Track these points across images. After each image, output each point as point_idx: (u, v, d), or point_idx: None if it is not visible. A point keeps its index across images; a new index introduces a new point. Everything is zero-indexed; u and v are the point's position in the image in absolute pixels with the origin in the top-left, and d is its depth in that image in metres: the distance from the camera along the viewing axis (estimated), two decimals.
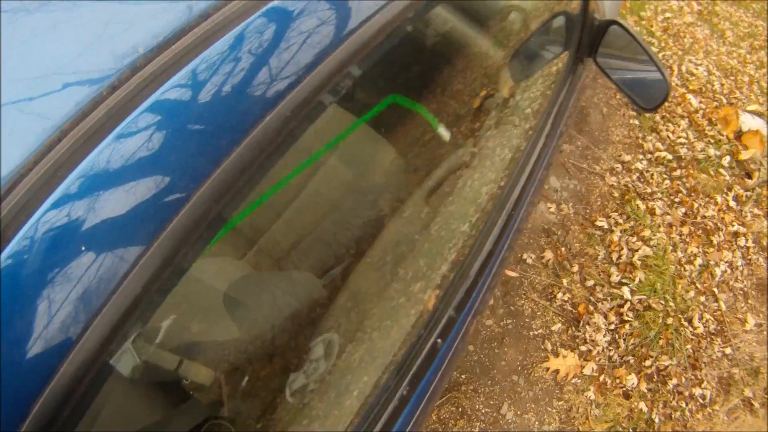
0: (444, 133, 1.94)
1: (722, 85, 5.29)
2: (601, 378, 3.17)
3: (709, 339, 3.54)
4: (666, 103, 4.73)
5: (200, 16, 0.74)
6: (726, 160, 4.51)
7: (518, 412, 2.97)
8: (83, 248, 0.61)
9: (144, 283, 0.65)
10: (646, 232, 3.77)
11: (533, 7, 2.14)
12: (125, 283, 0.64)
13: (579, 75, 2.20)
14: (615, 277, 3.52)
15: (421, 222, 1.75)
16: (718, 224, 4.11)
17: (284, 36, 0.77)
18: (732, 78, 5.47)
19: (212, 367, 1.43)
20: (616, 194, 3.96)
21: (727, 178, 4.43)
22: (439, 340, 1.46)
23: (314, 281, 1.70)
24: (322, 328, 1.57)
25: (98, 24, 0.72)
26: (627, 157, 4.22)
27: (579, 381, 3.13)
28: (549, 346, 3.18)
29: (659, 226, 3.87)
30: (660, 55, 5.23)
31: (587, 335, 3.26)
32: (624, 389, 3.19)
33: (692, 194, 4.21)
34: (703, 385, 3.36)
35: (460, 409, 2.88)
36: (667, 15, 5.82)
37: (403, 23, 0.92)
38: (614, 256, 3.62)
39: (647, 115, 4.56)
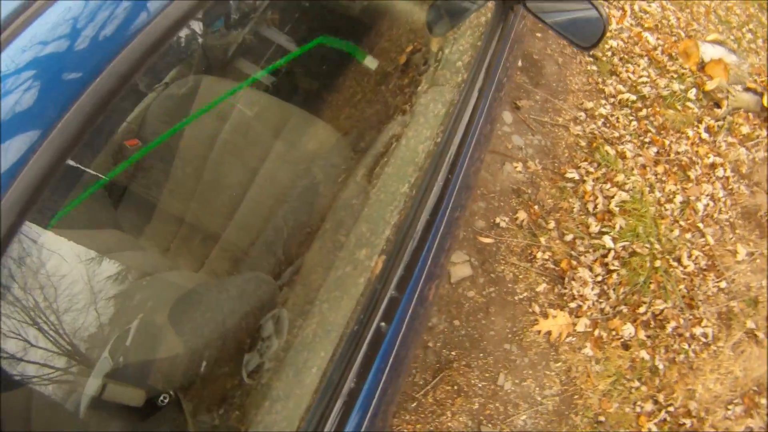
0: (371, 63, 1.91)
1: (678, 18, 5.28)
2: (596, 332, 3.11)
3: (701, 276, 3.50)
4: (622, 45, 4.71)
5: None
6: (692, 93, 4.48)
7: (516, 381, 2.91)
8: None
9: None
10: (620, 177, 3.71)
11: None
12: None
13: (511, 23, 2.15)
14: (594, 228, 3.47)
15: (359, 186, 1.72)
16: (693, 158, 4.07)
17: None
18: (687, 10, 5.45)
19: (161, 383, 1.40)
20: (583, 143, 3.91)
21: (696, 110, 4.41)
22: (383, 324, 1.39)
23: (263, 279, 1.66)
24: (270, 304, 1.55)
25: None
26: (589, 104, 4.16)
27: (574, 339, 3.08)
28: (537, 309, 3.12)
29: (632, 169, 3.82)
30: None
31: (575, 291, 3.20)
32: (622, 340, 3.14)
33: (662, 132, 4.17)
34: (703, 324, 3.32)
35: (455, 387, 2.82)
36: None
37: None
38: (590, 206, 3.57)
39: (604, 58, 4.52)
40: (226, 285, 1.68)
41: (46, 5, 0.71)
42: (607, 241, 3.40)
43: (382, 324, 1.38)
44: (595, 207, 3.57)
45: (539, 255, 3.29)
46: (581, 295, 3.20)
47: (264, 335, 1.47)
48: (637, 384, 3.05)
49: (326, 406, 1.25)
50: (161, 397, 1.35)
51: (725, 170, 4.10)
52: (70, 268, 1.22)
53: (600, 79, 4.38)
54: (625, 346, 3.13)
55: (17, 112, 0.66)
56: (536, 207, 3.48)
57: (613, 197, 3.61)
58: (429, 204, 1.59)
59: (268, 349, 1.45)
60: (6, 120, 0.66)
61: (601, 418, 2.94)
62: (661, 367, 3.12)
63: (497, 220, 3.37)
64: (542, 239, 3.35)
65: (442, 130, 1.76)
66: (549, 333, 3.05)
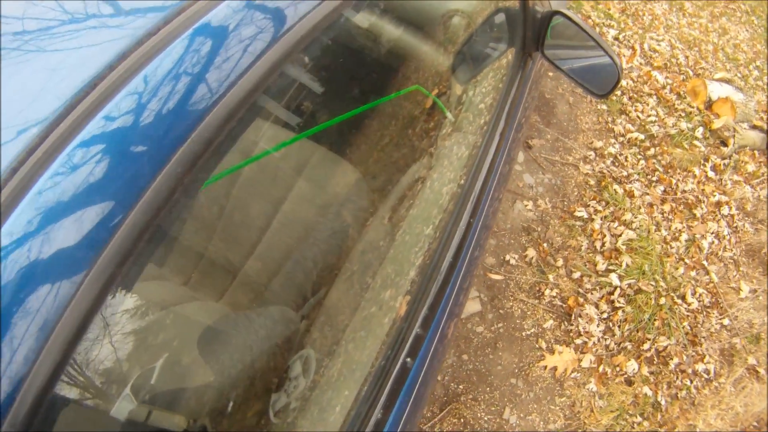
0: (450, 116, 2.03)
1: (686, 57, 5.43)
2: (601, 368, 3.25)
3: (705, 313, 3.64)
4: (632, 84, 4.86)
5: (139, 41, 0.81)
6: (699, 132, 4.63)
7: (521, 415, 3.04)
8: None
9: (89, 304, 0.71)
10: (627, 216, 3.86)
11: (475, 8, 2.21)
12: (70, 306, 0.69)
13: (529, 70, 2.26)
14: (601, 266, 3.61)
15: (385, 229, 1.81)
16: (699, 196, 4.22)
17: (201, 55, 0.84)
18: (696, 49, 5.61)
19: (191, 411, 1.46)
20: (592, 182, 4.07)
21: (703, 149, 4.55)
22: (408, 360, 1.50)
23: (288, 313, 1.73)
24: (298, 345, 1.63)
25: (44, 72, 0.77)
26: (599, 144, 4.32)
27: (578, 375, 3.21)
28: (543, 344, 3.26)
29: (639, 208, 3.97)
30: (620, 36, 5.36)
31: (581, 328, 3.34)
32: (625, 376, 3.27)
33: (669, 171, 4.32)
34: (705, 360, 3.45)
35: (462, 420, 2.95)
36: None
37: (329, 25, 1.01)
38: (598, 244, 3.72)
39: (614, 98, 4.68)
40: (251, 317, 1.73)
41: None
42: (614, 278, 3.55)
43: (408, 359, 1.50)
44: (603, 245, 3.71)
45: (547, 292, 3.44)
46: (587, 332, 3.34)
47: (292, 375, 1.54)
48: (639, 419, 3.17)
49: None
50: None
51: (730, 208, 4.24)
52: None
53: (610, 119, 4.54)
54: (629, 382, 3.26)
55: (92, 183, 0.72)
56: (545, 245, 3.63)
57: (620, 235, 3.76)
58: (453, 245, 1.71)
59: (295, 389, 1.52)
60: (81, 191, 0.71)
61: None
62: (663, 402, 3.25)
63: (507, 257, 3.52)
64: (550, 276, 3.50)
65: (465, 173, 1.88)
66: (555, 368, 3.19)
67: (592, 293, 3.50)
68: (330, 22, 1.02)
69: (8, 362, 0.65)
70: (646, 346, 3.37)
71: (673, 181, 4.24)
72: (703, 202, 4.21)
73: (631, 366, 3.28)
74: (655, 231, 3.88)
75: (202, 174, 0.87)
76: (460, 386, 3.04)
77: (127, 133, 0.76)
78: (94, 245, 0.72)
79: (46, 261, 0.69)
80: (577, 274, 3.56)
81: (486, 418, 2.99)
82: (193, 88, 0.82)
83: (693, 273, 3.79)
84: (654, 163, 4.33)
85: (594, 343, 3.32)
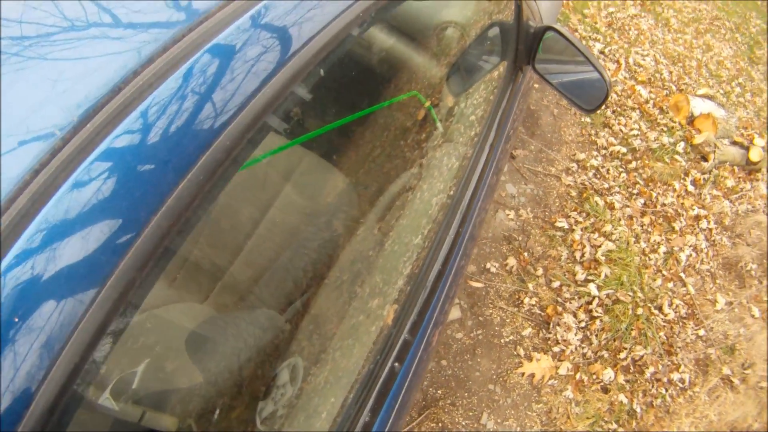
0: (440, 127, 2.05)
1: (670, 72, 5.50)
2: (578, 376, 3.30)
3: (681, 324, 3.69)
4: (615, 97, 4.92)
5: (147, 61, 0.80)
6: (680, 146, 4.70)
7: (498, 420, 3.09)
8: (16, 319, 0.67)
9: (99, 322, 0.71)
10: (607, 227, 3.92)
11: (468, 19, 2.24)
12: (82, 323, 0.69)
13: (519, 83, 2.30)
14: (580, 276, 3.67)
15: (375, 238, 1.82)
16: (679, 210, 4.28)
17: (220, 72, 0.84)
18: (680, 64, 5.68)
19: (179, 413, 1.47)
20: (574, 193, 4.12)
21: (683, 163, 4.62)
22: (396, 365, 1.54)
23: (276, 318, 1.74)
24: (286, 353, 1.63)
25: (47, 82, 0.76)
26: (581, 156, 4.38)
27: (555, 382, 3.26)
28: (522, 352, 3.30)
29: (620, 220, 4.03)
30: (606, 49, 5.43)
31: (558, 336, 3.39)
32: (602, 384, 3.32)
33: (650, 184, 4.38)
34: (680, 370, 3.51)
35: (440, 425, 2.99)
36: (611, 10, 6.04)
37: (338, 46, 1.03)
38: (577, 254, 3.77)
39: (598, 111, 4.73)
40: (238, 320, 1.72)
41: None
42: (592, 288, 3.60)
43: (396, 364, 1.53)
44: (583, 255, 3.77)
45: (526, 300, 3.49)
46: (565, 340, 3.39)
47: (279, 383, 1.54)
48: (614, 426, 3.21)
49: None
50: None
51: (709, 222, 4.31)
52: None
53: (593, 131, 4.60)
54: (605, 390, 3.31)
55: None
56: (526, 254, 3.68)
57: (600, 246, 3.81)
58: (441, 254, 1.74)
59: (282, 396, 1.52)
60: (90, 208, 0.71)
61: None
62: (638, 410, 3.29)
63: (488, 265, 3.56)
64: (530, 285, 3.54)
65: (455, 183, 1.90)
66: (532, 375, 3.23)
67: (570, 302, 3.55)
68: (343, 37, 1.04)
69: (11, 378, 0.65)
70: (622, 355, 3.42)
71: (654, 195, 4.30)
72: (682, 215, 4.27)
73: (608, 374, 3.33)
74: (635, 243, 3.94)
75: (216, 189, 0.87)
76: (439, 391, 3.08)
77: (139, 152, 0.76)
78: (111, 255, 0.72)
79: (60, 274, 0.69)
80: (556, 284, 3.61)
81: (464, 423, 3.03)
82: (201, 108, 0.82)
83: (670, 284, 3.84)
84: (635, 176, 4.39)
85: (571, 351, 3.37)
